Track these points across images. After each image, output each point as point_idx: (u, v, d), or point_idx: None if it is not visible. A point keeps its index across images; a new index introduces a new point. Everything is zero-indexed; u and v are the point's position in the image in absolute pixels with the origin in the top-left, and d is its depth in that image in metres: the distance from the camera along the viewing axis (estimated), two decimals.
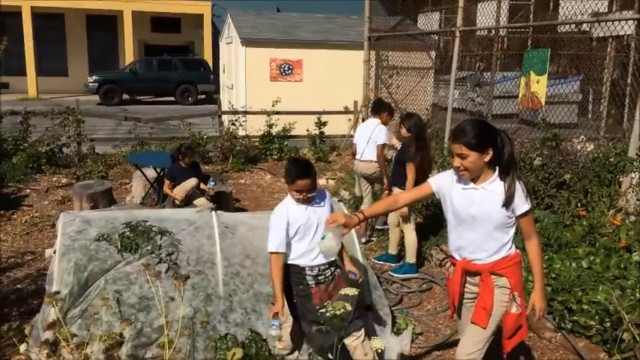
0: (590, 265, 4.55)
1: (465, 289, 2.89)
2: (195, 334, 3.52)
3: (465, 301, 2.92)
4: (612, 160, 5.89)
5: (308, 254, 3.09)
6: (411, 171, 5.17)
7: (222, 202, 6.71)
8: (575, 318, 4.10)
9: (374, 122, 6.16)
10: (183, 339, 3.31)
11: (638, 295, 3.89)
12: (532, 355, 4.02)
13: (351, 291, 2.70)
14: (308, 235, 3.07)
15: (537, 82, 7.20)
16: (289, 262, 3.15)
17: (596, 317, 3.98)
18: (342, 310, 2.32)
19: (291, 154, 10.65)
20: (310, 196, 3.09)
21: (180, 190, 6.15)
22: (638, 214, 5.47)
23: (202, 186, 6.36)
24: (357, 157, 6.24)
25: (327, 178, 9.04)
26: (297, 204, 3.11)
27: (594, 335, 3.99)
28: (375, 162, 6.05)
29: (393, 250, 5.71)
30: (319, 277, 3.14)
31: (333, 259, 3.17)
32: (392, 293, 5.01)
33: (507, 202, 2.68)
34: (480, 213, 2.70)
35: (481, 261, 2.77)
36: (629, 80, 8.90)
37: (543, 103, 7.13)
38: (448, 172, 2.86)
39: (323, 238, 2.81)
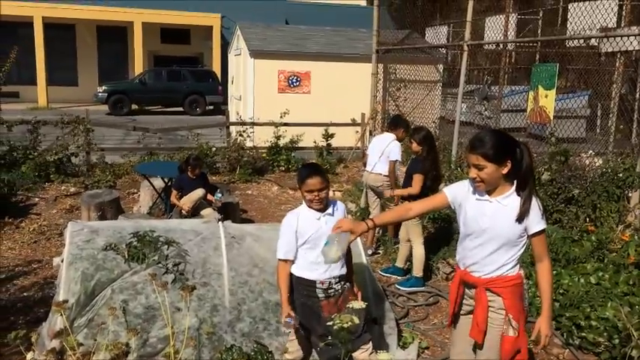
0: (598, 281, 4.52)
1: (464, 301, 2.84)
2: (200, 344, 3.51)
3: (461, 312, 2.87)
4: (621, 175, 5.87)
5: (319, 267, 3.06)
6: (417, 182, 5.17)
7: (229, 212, 6.72)
8: (583, 334, 4.06)
9: (389, 137, 6.12)
10: (188, 349, 3.31)
11: None
12: None
13: (359, 304, 2.68)
14: (319, 246, 3.04)
15: (546, 97, 7.19)
16: (300, 275, 3.15)
17: (605, 334, 3.94)
18: (350, 323, 2.31)
19: (299, 165, 10.66)
20: (322, 196, 3.08)
21: (187, 201, 6.17)
22: None
23: (209, 197, 6.37)
24: (368, 168, 6.24)
25: (333, 190, 9.03)
26: (310, 211, 3.10)
27: (603, 352, 3.95)
28: (385, 175, 6.04)
29: (400, 263, 5.69)
30: (329, 291, 3.13)
31: (343, 273, 3.17)
32: (398, 306, 4.99)
33: (521, 218, 2.59)
34: (491, 227, 2.63)
35: (480, 274, 2.70)
36: (637, 95, 8.90)
37: (552, 118, 7.11)
38: (464, 182, 2.80)
39: (326, 244, 2.72)
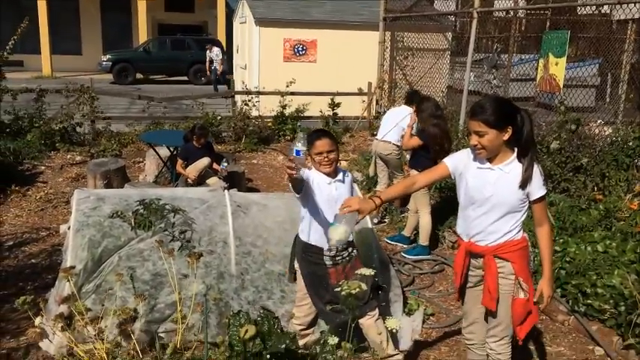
0: (605, 249, 4.50)
1: (470, 272, 2.84)
2: (208, 310, 3.54)
3: (469, 283, 2.87)
4: (631, 143, 5.79)
5: (326, 234, 3.03)
6: (412, 142, 5.18)
7: (235, 181, 6.71)
8: (589, 301, 4.07)
9: (406, 110, 6.02)
10: (196, 315, 3.33)
11: None
12: (544, 338, 4.01)
13: (367, 271, 2.68)
14: (327, 213, 3.03)
15: (556, 65, 7.07)
16: (307, 241, 3.14)
17: (611, 301, 3.94)
18: (358, 289, 2.31)
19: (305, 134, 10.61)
20: (332, 157, 3.08)
21: (193, 170, 6.16)
22: None
23: (215, 166, 6.36)
24: (379, 136, 6.20)
25: (339, 160, 8.98)
26: (320, 175, 3.09)
27: (608, 319, 3.95)
28: (394, 144, 6.00)
29: (407, 232, 5.68)
30: (337, 258, 3.14)
31: (350, 239, 3.16)
32: (404, 274, 5.00)
33: (524, 184, 2.60)
34: (494, 195, 2.62)
35: (486, 242, 2.70)
36: None
37: (562, 86, 7.00)
38: (464, 151, 2.78)
39: (332, 224, 2.68)
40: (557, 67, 7.10)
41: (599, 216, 5.12)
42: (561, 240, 4.82)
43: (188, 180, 6.15)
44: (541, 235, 2.74)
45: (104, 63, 21.25)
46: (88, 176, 6.93)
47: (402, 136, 5.74)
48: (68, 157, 8.73)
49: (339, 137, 10.51)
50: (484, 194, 2.64)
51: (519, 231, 2.70)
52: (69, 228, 3.83)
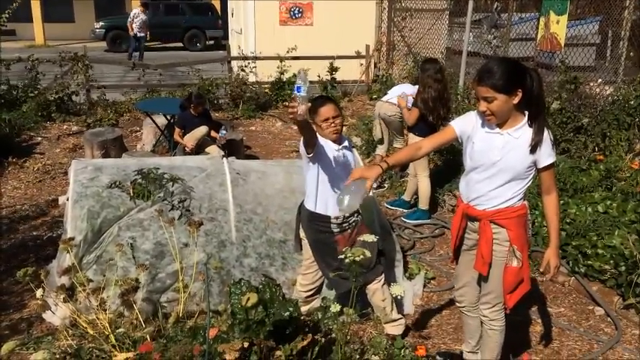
0: (606, 210, 4.49)
1: (466, 235, 2.81)
2: (209, 279, 3.55)
3: (464, 246, 2.85)
4: (632, 102, 5.73)
5: (333, 202, 3.00)
6: (413, 114, 5.11)
7: (233, 149, 6.67)
8: (589, 262, 4.08)
9: (413, 88, 5.81)
10: (197, 284, 3.34)
11: None
12: (545, 300, 4.04)
13: (370, 238, 2.67)
14: (336, 181, 3.00)
15: (557, 23, 6.94)
16: (313, 210, 3.12)
17: (611, 261, 3.96)
18: (362, 256, 2.30)
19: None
20: (338, 122, 3.05)
21: (191, 138, 6.10)
22: None
23: (213, 134, 6.30)
24: (384, 99, 6.12)
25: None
26: (327, 143, 3.05)
27: (608, 279, 3.98)
28: (397, 106, 5.92)
29: (407, 197, 5.67)
30: (344, 225, 3.13)
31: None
32: (404, 239, 5.02)
33: (534, 149, 2.50)
34: (501, 160, 2.54)
35: (484, 207, 2.64)
36: None
37: (563, 45, 6.89)
38: (471, 114, 2.69)
39: (341, 194, 2.60)
40: (559, 26, 6.97)
41: (599, 176, 5.10)
42: (562, 201, 4.80)
43: (186, 149, 6.11)
44: (548, 203, 2.68)
45: (97, 30, 20.91)
46: (85, 146, 6.88)
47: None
48: (64, 127, 8.66)
49: (337, 102, 10.41)
50: (491, 159, 2.56)
51: (520, 199, 2.64)
52: (67, 199, 3.81)
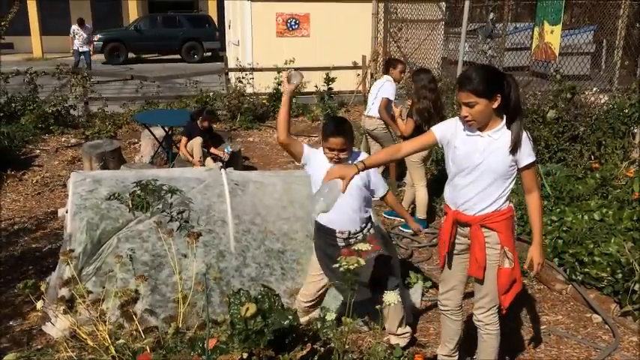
0: (602, 218, 4.52)
1: (456, 240, 2.85)
2: (209, 289, 3.56)
3: (454, 252, 2.88)
4: (627, 111, 5.78)
5: (337, 220, 3.05)
6: (409, 126, 5.16)
7: (232, 160, 6.71)
8: (586, 270, 4.10)
9: (384, 79, 6.12)
10: (197, 295, 3.35)
11: None
12: (542, 307, 4.05)
13: (365, 246, 2.67)
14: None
15: (551, 32, 7.01)
16: (321, 222, 3.15)
17: (608, 269, 3.98)
18: (356, 264, 2.32)
19: (300, 112, 10.58)
20: (342, 157, 3.04)
21: (197, 151, 6.22)
22: None
23: (215, 150, 6.37)
24: (365, 112, 6.26)
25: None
26: (325, 159, 3.08)
27: (605, 287, 4.00)
28: (378, 118, 6.02)
29: (405, 206, 5.70)
30: (350, 240, 3.14)
31: (368, 215, 3.18)
32: (402, 248, 5.04)
33: (514, 150, 2.60)
34: (483, 161, 2.62)
35: (473, 212, 2.70)
36: None
37: (557, 54, 6.96)
38: (452, 120, 2.77)
39: (315, 195, 2.60)
40: (553, 35, 7.04)
41: (595, 184, 5.14)
42: (558, 209, 4.84)
43: (196, 165, 6.17)
44: (531, 202, 2.76)
45: (95, 43, 20.94)
46: (83, 158, 6.91)
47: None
48: (63, 139, 8.69)
49: (334, 112, 10.47)
50: (474, 161, 2.64)
51: (506, 201, 2.71)
52: (67, 211, 3.83)
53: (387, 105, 5.93)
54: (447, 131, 2.73)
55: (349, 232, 3.12)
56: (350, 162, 3.07)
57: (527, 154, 2.63)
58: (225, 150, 6.39)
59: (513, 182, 2.70)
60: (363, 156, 3.18)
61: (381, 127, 6.06)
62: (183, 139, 6.37)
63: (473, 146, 2.64)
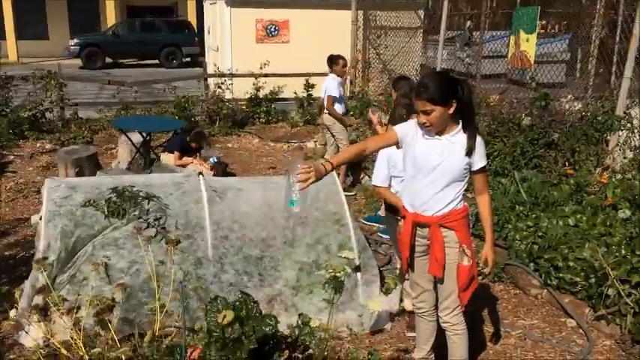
0: (576, 223, 4.60)
1: (416, 242, 2.91)
2: (186, 297, 3.53)
3: (416, 254, 2.94)
4: (600, 118, 5.89)
5: None
6: (387, 131, 5.23)
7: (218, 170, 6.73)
8: (561, 275, 4.16)
9: (329, 77, 6.68)
10: (175, 302, 3.32)
11: (623, 251, 3.94)
12: (518, 312, 4.10)
13: (352, 254, 2.65)
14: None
15: (527, 41, 7.13)
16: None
17: (582, 274, 4.04)
18: (342, 272, 2.32)
19: (279, 118, 10.59)
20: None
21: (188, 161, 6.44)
22: (624, 172, 5.51)
23: (202, 168, 6.36)
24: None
25: (315, 141, 8.98)
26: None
27: (580, 291, 4.06)
28: (328, 113, 6.51)
29: (383, 213, 5.71)
30: None
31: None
32: (380, 254, 5.05)
33: (469, 152, 2.70)
34: (441, 164, 2.71)
35: (431, 212, 2.78)
36: (617, 39, 8.86)
37: (533, 62, 7.07)
38: (412, 122, 2.86)
39: (291, 203, 2.53)
40: (529, 44, 7.16)
41: (570, 190, 5.22)
42: (534, 215, 4.91)
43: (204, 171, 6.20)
44: (482, 203, 2.90)
45: (72, 48, 20.72)
46: (58, 164, 6.81)
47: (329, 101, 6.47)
48: (38, 145, 8.55)
49: (314, 118, 10.48)
50: (431, 163, 2.73)
51: (461, 200, 2.82)
52: (40, 218, 3.77)
53: (332, 102, 6.48)
54: (407, 133, 2.82)
55: None
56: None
57: (480, 158, 2.76)
58: (211, 160, 6.41)
59: (466, 184, 2.82)
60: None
61: (333, 121, 6.55)
62: (176, 154, 6.50)
63: (431, 149, 2.74)
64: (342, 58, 6.78)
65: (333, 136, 6.69)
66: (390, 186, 3.54)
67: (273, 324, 2.38)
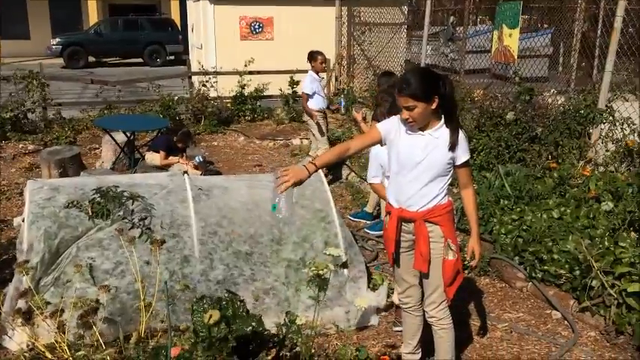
0: (560, 216, 4.64)
1: (401, 237, 2.93)
2: (172, 297, 3.51)
3: (401, 249, 2.96)
4: (582, 112, 5.95)
5: None
6: (370, 129, 5.23)
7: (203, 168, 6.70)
8: (545, 267, 4.20)
9: (308, 73, 6.74)
10: (161, 302, 3.30)
11: (606, 243, 3.99)
12: (504, 305, 4.13)
13: (337, 251, 2.66)
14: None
15: (510, 36, 7.17)
16: None
17: (566, 266, 4.08)
18: (325, 269, 2.32)
19: (265, 115, 10.56)
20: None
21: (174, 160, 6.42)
22: (606, 164, 5.57)
23: (187, 167, 6.32)
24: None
25: (301, 138, 8.98)
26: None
27: (564, 283, 4.10)
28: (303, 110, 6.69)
29: (370, 208, 5.74)
30: None
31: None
32: (367, 250, 5.06)
33: (452, 147, 2.72)
34: (425, 159, 2.73)
35: (416, 208, 2.80)
36: (599, 32, 8.95)
37: (516, 57, 7.12)
38: (394, 118, 2.86)
39: (274, 208, 2.55)
40: (511, 39, 7.20)
41: (553, 183, 5.27)
42: (518, 209, 4.95)
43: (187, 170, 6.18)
44: (467, 196, 2.92)
45: (54, 47, 20.50)
46: (41, 165, 6.73)
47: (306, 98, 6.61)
48: (20, 146, 8.45)
49: (299, 115, 10.46)
50: (415, 159, 2.74)
51: (445, 195, 2.84)
52: (23, 220, 3.72)
53: (307, 99, 6.59)
54: (390, 130, 2.83)
55: None
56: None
57: (463, 152, 2.77)
58: (196, 159, 6.40)
59: (450, 178, 2.83)
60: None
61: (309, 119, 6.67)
62: (162, 153, 6.45)
63: (414, 144, 2.76)
64: (321, 54, 6.80)
65: (310, 130, 6.81)
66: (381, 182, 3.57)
67: (255, 324, 2.37)
